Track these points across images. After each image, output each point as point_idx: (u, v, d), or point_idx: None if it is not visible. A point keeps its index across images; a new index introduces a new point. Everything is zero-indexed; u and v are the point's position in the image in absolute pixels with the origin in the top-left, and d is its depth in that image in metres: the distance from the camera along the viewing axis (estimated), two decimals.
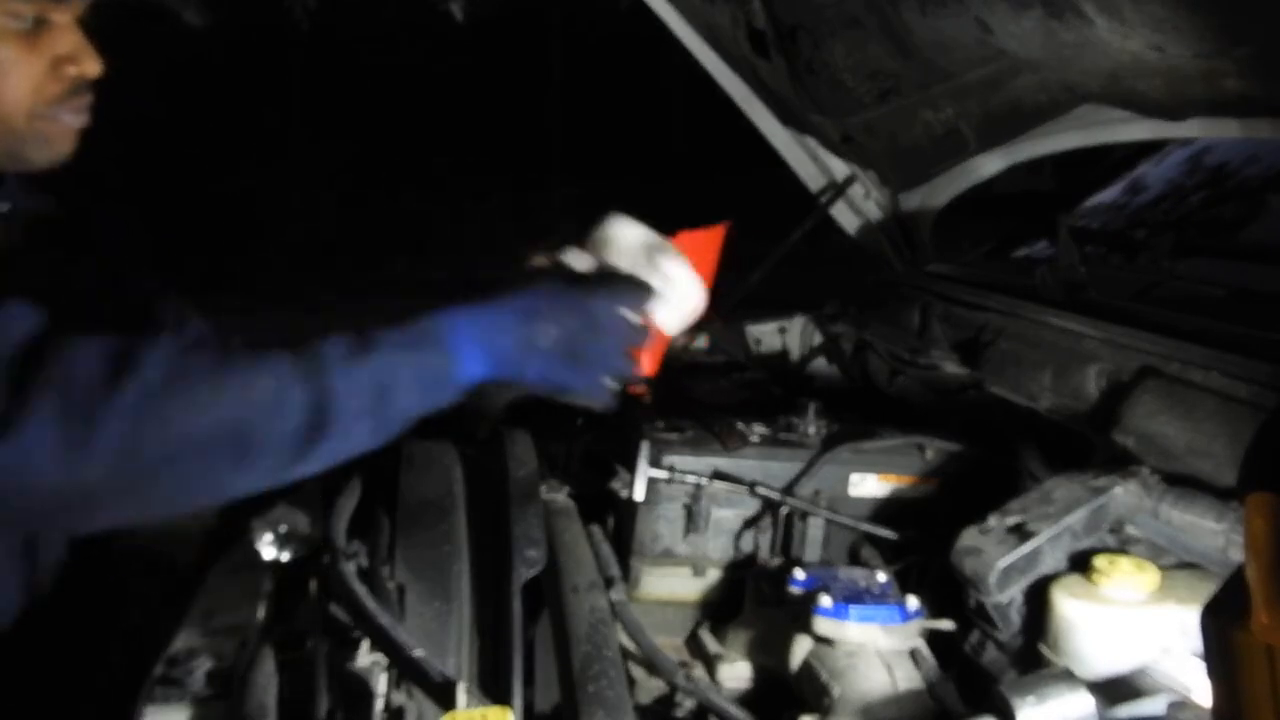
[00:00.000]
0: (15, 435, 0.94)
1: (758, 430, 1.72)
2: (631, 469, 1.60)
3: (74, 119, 1.27)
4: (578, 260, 1.17)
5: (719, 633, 1.59)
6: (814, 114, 2.24)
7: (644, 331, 1.14)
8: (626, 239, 1.19)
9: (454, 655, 1.27)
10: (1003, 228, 2.54)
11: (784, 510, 1.63)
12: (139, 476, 0.99)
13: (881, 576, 1.45)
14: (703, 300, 1.22)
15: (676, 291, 1.18)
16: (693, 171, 12.96)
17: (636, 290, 1.14)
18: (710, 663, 1.54)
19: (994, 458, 1.67)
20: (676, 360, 2.39)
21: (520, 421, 1.94)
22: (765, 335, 2.50)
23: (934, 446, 1.70)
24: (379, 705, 1.18)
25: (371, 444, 1.07)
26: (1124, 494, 1.40)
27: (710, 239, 1.34)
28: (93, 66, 1.26)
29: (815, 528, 1.63)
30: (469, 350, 1.08)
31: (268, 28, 10.88)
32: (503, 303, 1.11)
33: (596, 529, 1.63)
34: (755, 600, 1.56)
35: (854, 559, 1.64)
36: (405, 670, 1.18)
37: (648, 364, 1.19)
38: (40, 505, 0.99)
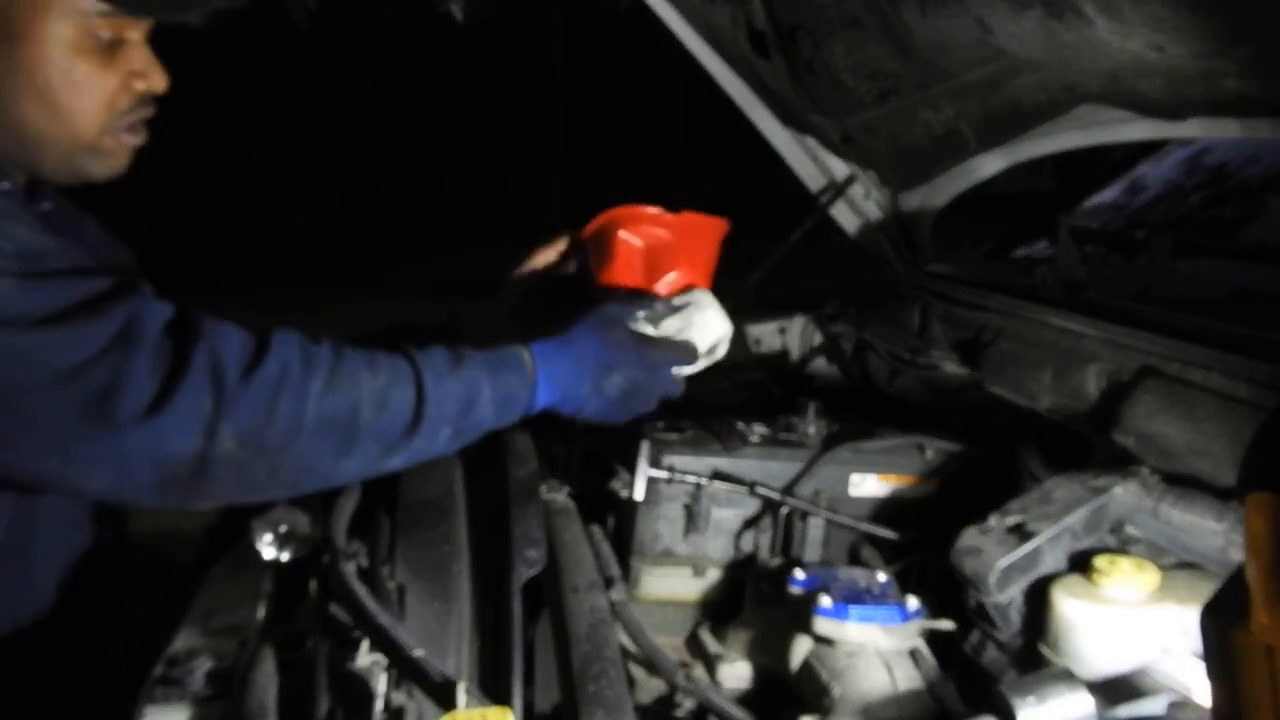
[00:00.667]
0: (168, 411, 1.02)
1: (758, 430, 1.72)
2: (631, 469, 1.60)
3: (134, 136, 1.35)
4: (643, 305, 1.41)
5: (719, 633, 1.59)
6: (814, 114, 2.24)
7: (684, 384, 1.39)
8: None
9: (454, 655, 1.27)
10: (1003, 228, 2.54)
11: (784, 510, 1.63)
12: (260, 456, 1.06)
13: (881, 576, 1.45)
14: (725, 335, 1.46)
15: (708, 336, 1.43)
16: (693, 171, 12.97)
17: (688, 351, 1.39)
18: (710, 663, 1.54)
19: (994, 458, 1.67)
20: None
21: (520, 422, 1.94)
22: (765, 335, 2.50)
23: (934, 446, 1.70)
24: (379, 705, 1.18)
25: (448, 449, 1.21)
26: (1124, 494, 1.40)
27: (713, 226, 1.46)
28: (160, 82, 1.34)
29: (815, 528, 1.63)
30: (546, 384, 1.24)
31: (268, 28, 10.88)
32: (584, 348, 1.27)
33: (596, 529, 1.63)
34: (755, 600, 1.56)
35: (854, 559, 1.64)
36: (405, 670, 1.18)
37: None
38: (166, 479, 1.05)
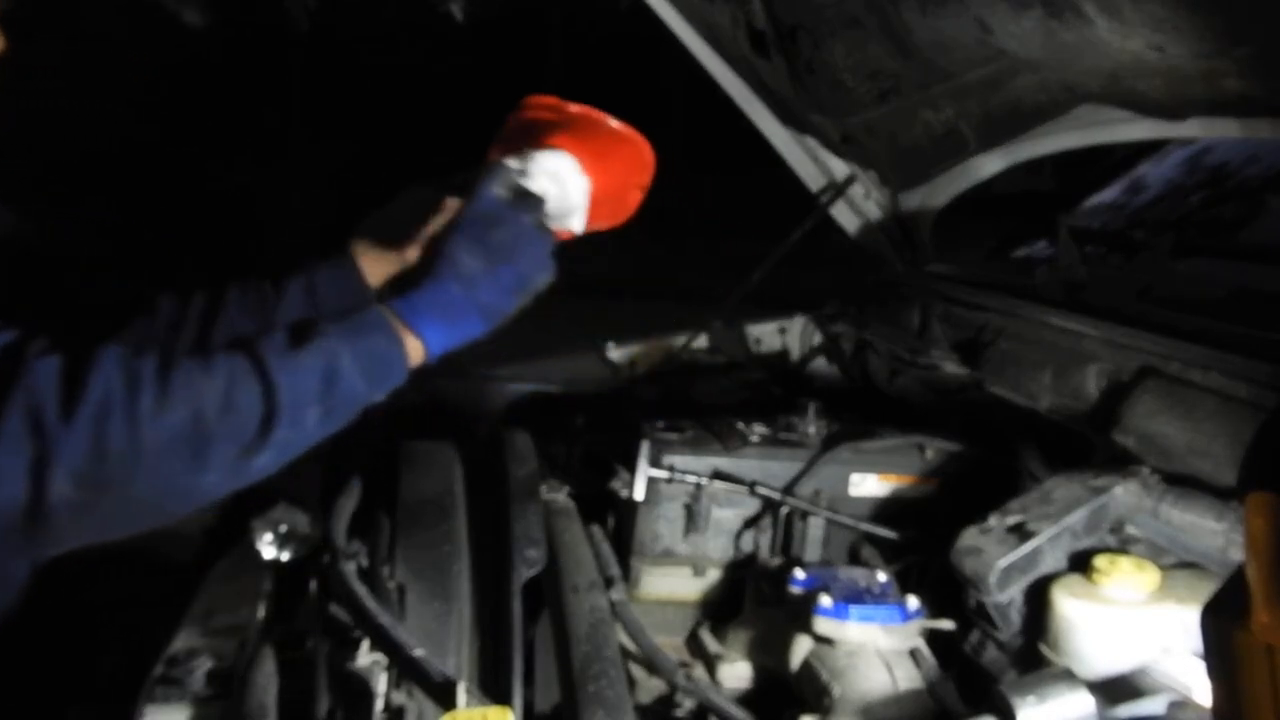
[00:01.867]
0: None
1: (758, 430, 1.72)
2: (631, 469, 1.60)
3: None
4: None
5: (719, 633, 1.59)
6: (814, 114, 2.24)
7: (552, 230, 1.24)
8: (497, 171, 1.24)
9: (454, 655, 1.27)
10: (1003, 228, 2.54)
11: (784, 510, 1.63)
12: (104, 492, 0.98)
13: (881, 576, 1.45)
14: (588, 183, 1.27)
15: (565, 181, 1.26)
16: (693, 171, 12.97)
17: (528, 202, 1.22)
18: (710, 663, 1.54)
19: (994, 458, 1.67)
20: (676, 360, 2.39)
21: (520, 421, 1.94)
22: (765, 335, 2.50)
23: (934, 446, 1.70)
24: (379, 705, 1.18)
25: (325, 431, 1.10)
26: (1124, 494, 1.40)
27: (624, 137, 1.31)
28: None
29: (815, 528, 1.63)
30: (429, 331, 1.13)
31: (267, 28, 10.88)
32: (427, 272, 1.16)
33: (596, 529, 1.63)
34: (755, 600, 1.56)
35: (854, 559, 1.64)
36: (405, 670, 1.18)
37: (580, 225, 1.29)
38: (10, 529, 0.97)
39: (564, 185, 1.25)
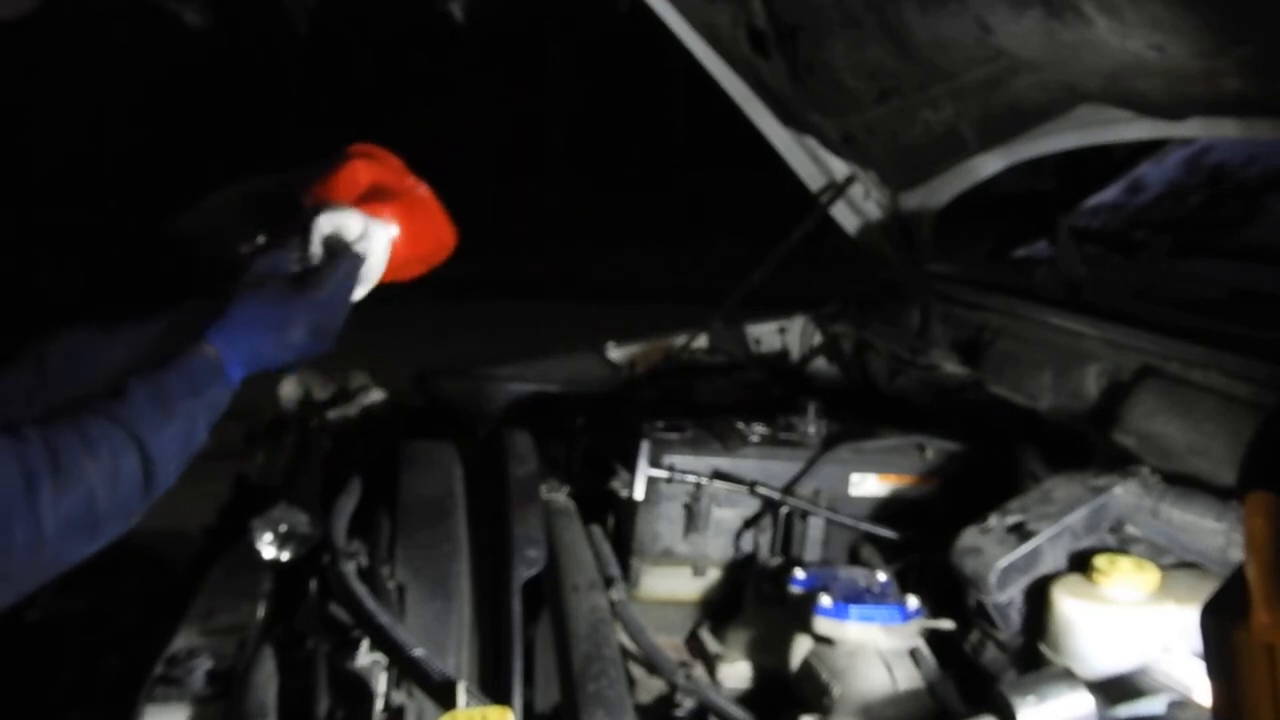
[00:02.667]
0: None
1: (758, 430, 1.72)
2: (631, 469, 1.60)
3: None
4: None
5: (719, 633, 1.59)
6: (814, 114, 2.24)
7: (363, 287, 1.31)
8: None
9: (454, 655, 1.27)
10: (1003, 228, 2.54)
11: (784, 510, 1.63)
12: (5, 584, 1.00)
13: (881, 576, 1.45)
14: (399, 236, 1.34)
15: (384, 251, 1.32)
16: (693, 171, 12.97)
17: (353, 263, 1.29)
18: (710, 663, 1.54)
19: (994, 458, 1.67)
20: (676, 360, 2.40)
21: (520, 421, 1.94)
22: (765, 335, 2.50)
23: (934, 446, 1.70)
24: (379, 705, 1.18)
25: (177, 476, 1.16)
26: (1124, 494, 1.40)
27: (443, 221, 1.39)
28: None
29: (815, 527, 1.63)
30: (238, 369, 1.20)
31: (267, 28, 10.88)
32: (254, 318, 1.22)
33: (596, 529, 1.63)
34: (755, 600, 1.56)
35: (854, 559, 1.64)
36: (405, 670, 1.18)
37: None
38: None
39: (383, 254, 1.31)
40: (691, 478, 1.61)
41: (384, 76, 13.26)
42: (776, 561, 1.62)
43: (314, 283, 1.26)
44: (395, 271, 1.35)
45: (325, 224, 1.28)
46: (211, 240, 1.42)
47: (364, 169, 1.36)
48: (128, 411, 1.10)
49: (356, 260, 1.29)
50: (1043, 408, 1.78)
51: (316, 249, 1.28)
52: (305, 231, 1.29)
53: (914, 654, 1.37)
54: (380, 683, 1.20)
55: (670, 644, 1.59)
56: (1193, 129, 1.75)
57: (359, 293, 1.30)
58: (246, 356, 1.20)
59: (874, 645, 1.35)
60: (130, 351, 1.21)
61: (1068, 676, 1.14)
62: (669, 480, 1.62)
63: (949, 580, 1.38)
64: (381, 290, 1.34)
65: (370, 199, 1.33)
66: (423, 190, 1.40)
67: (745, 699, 1.45)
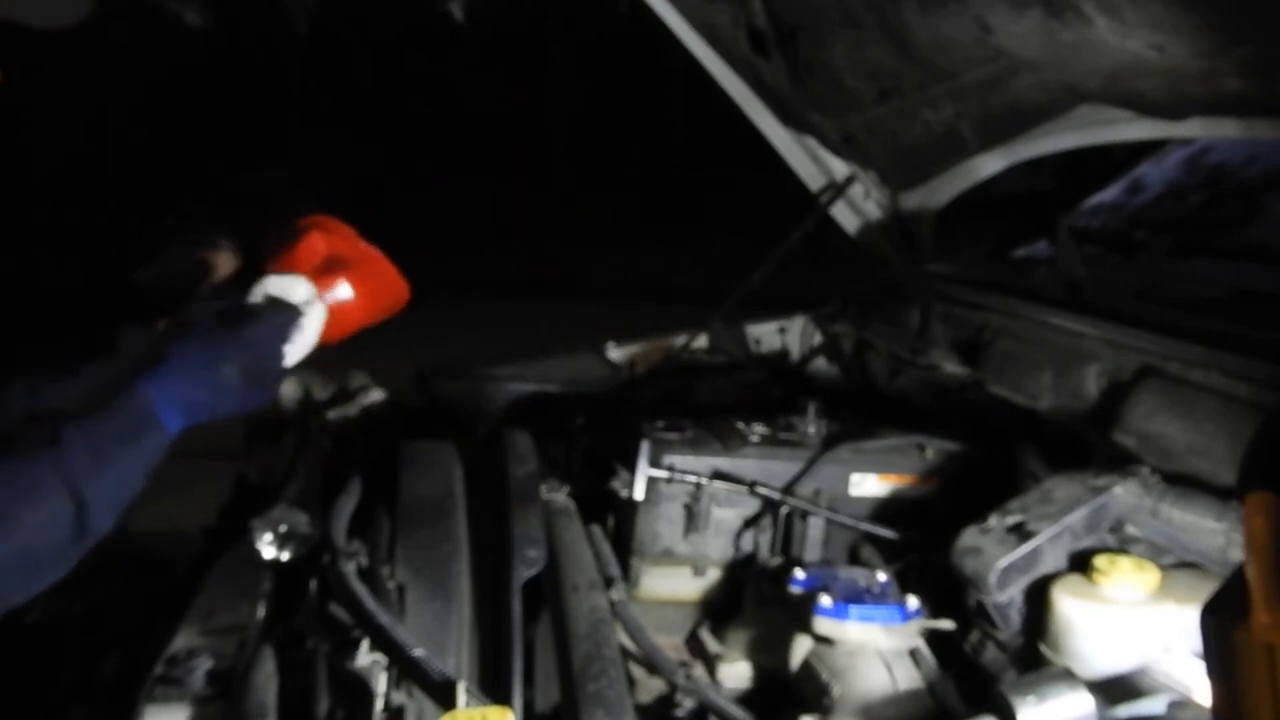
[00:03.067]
0: None
1: (758, 430, 1.72)
2: (631, 469, 1.60)
3: None
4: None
5: (719, 633, 1.59)
6: (814, 114, 2.24)
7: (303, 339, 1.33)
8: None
9: (454, 655, 1.27)
10: (1003, 228, 2.54)
11: (784, 510, 1.63)
12: None
13: (881, 576, 1.45)
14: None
15: (320, 319, 1.36)
16: (693, 170, 12.97)
17: (288, 315, 1.31)
18: (710, 663, 1.54)
19: (994, 458, 1.67)
20: (676, 360, 2.40)
21: (520, 421, 1.94)
22: (765, 335, 2.50)
23: (934, 446, 1.70)
24: (379, 705, 1.18)
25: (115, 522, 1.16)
26: (1124, 494, 1.40)
27: (395, 279, 1.47)
28: None
29: (815, 527, 1.63)
30: (172, 416, 1.18)
31: (267, 28, 10.88)
32: (182, 359, 1.21)
33: (596, 529, 1.63)
34: (755, 600, 1.56)
35: (854, 559, 1.64)
36: (405, 670, 1.18)
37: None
38: None
39: (319, 322, 1.35)
40: (691, 478, 1.61)
41: (384, 76, 13.25)
42: (776, 561, 1.62)
43: (244, 322, 1.26)
44: (356, 326, 1.41)
45: (272, 284, 1.32)
46: (164, 292, 1.43)
47: (321, 241, 1.42)
48: (64, 460, 1.09)
49: (293, 313, 1.31)
50: (1043, 408, 1.78)
51: (257, 299, 1.30)
52: (249, 286, 1.32)
53: (914, 654, 1.37)
54: (380, 683, 1.20)
55: (670, 644, 1.59)
56: (1193, 129, 1.75)
57: (293, 352, 1.31)
58: (180, 401, 1.19)
59: (874, 645, 1.34)
60: (68, 391, 1.20)
61: (1068, 676, 1.14)
62: (669, 480, 1.62)
63: (949, 580, 1.38)
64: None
65: (328, 269, 1.39)
66: (374, 254, 1.47)
67: (745, 699, 1.45)
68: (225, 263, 1.44)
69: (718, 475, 1.63)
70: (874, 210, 2.45)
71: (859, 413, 1.87)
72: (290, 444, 2.01)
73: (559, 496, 1.67)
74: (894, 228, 2.46)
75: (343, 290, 1.38)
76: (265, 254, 1.42)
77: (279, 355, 1.29)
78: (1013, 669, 1.32)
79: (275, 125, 11.36)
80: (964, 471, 1.68)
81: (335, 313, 1.37)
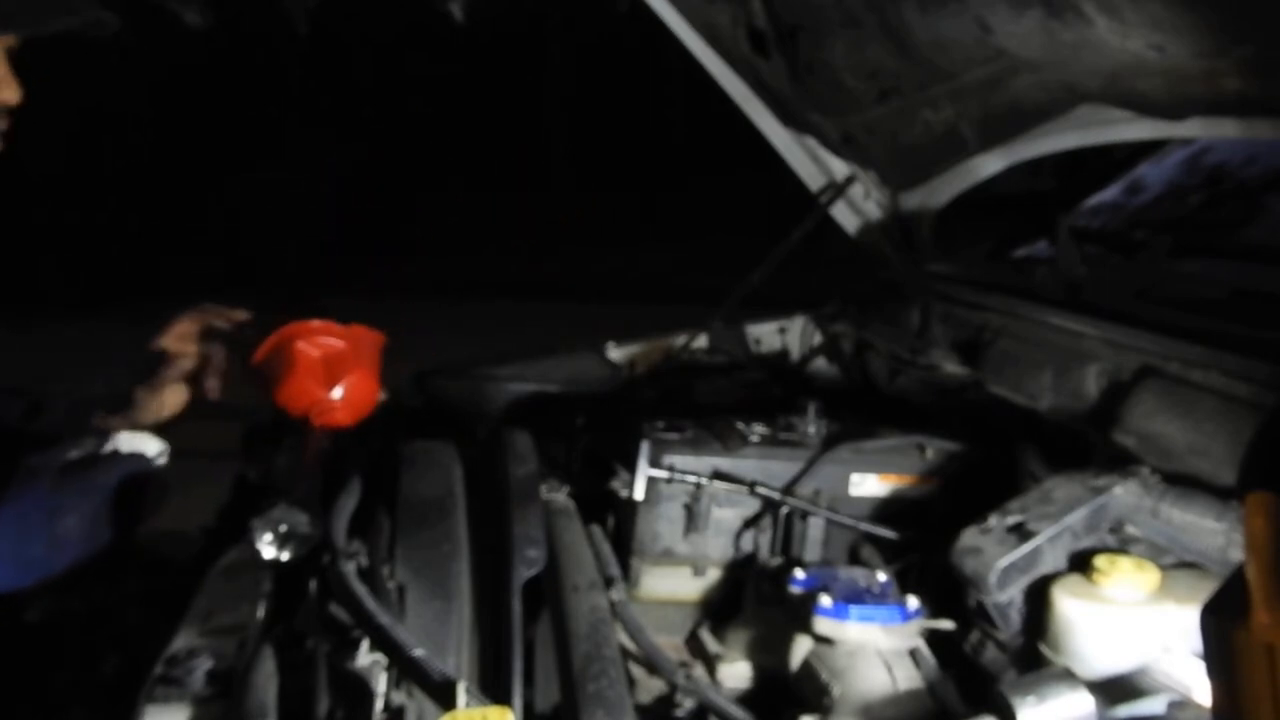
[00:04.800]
0: None
1: (758, 430, 1.72)
2: (631, 469, 1.60)
3: None
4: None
5: (719, 633, 1.59)
6: (814, 114, 2.24)
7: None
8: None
9: (454, 655, 1.27)
10: (1003, 228, 2.54)
11: (784, 510, 1.63)
12: None
13: (881, 576, 1.45)
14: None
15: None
16: (694, 170, 12.97)
17: (138, 463, 1.29)
18: (710, 663, 1.54)
19: (994, 458, 1.67)
20: (676, 360, 2.40)
21: (520, 421, 1.94)
22: (765, 335, 2.50)
23: (934, 446, 1.70)
24: (379, 705, 1.18)
25: None
26: (1124, 494, 1.40)
27: (376, 338, 1.61)
28: (12, 94, 1.31)
29: (815, 528, 1.63)
30: (5, 573, 1.13)
31: (267, 28, 10.88)
32: (15, 512, 1.15)
33: (596, 529, 1.63)
34: (755, 600, 1.56)
35: (854, 559, 1.64)
36: (405, 670, 1.18)
37: None
38: None
39: (165, 479, 1.42)
40: (691, 478, 1.61)
41: (384, 76, 13.25)
42: (776, 561, 1.62)
43: (92, 469, 1.23)
44: (339, 421, 1.56)
45: (124, 440, 1.33)
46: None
47: (308, 364, 1.54)
48: None
49: (142, 461, 1.30)
50: (1043, 408, 1.78)
51: (106, 449, 1.29)
52: (102, 438, 1.31)
53: (914, 654, 1.37)
54: (380, 683, 1.20)
55: (670, 644, 1.59)
56: (1193, 129, 1.75)
57: (148, 502, 1.30)
58: (14, 558, 1.12)
59: (874, 645, 1.34)
60: None
61: (1068, 676, 1.14)
62: (669, 480, 1.62)
63: (949, 580, 1.38)
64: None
65: (334, 373, 1.54)
66: (354, 332, 1.59)
67: (745, 699, 1.45)
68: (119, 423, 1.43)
69: (718, 475, 1.63)
70: (874, 210, 2.45)
71: (859, 413, 1.87)
72: (290, 444, 2.00)
73: (559, 496, 1.66)
74: (894, 228, 2.46)
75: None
76: (260, 369, 1.49)
77: (130, 499, 1.23)
78: (1013, 669, 1.32)
79: (275, 125, 11.36)
80: (964, 471, 1.68)
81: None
